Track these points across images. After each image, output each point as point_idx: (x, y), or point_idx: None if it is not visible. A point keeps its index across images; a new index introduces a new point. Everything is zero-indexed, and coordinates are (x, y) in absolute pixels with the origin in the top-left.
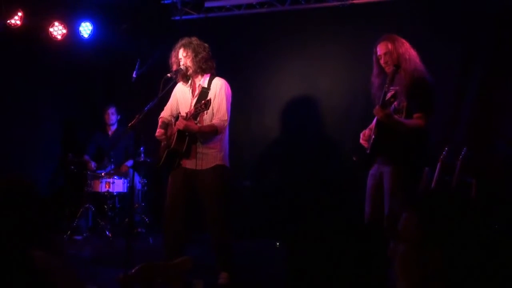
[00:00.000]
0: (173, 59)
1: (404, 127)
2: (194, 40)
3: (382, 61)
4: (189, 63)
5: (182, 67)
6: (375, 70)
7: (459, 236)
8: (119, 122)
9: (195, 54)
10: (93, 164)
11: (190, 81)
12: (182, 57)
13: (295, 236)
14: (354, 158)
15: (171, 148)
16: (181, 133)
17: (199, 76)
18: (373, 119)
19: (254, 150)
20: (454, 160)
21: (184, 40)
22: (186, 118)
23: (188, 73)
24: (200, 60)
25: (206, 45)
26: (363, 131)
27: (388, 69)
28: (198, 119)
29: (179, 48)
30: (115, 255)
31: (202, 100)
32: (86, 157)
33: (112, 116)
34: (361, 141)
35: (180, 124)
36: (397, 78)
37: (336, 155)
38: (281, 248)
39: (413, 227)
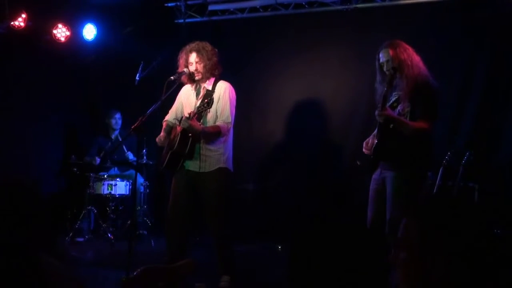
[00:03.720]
0: (182, 61)
1: (407, 127)
2: (207, 46)
3: (384, 68)
4: (200, 69)
5: (185, 69)
6: (378, 77)
7: (461, 242)
8: (121, 125)
9: (209, 60)
10: (97, 160)
11: (195, 84)
12: (194, 62)
13: (297, 240)
14: (358, 163)
15: (174, 150)
16: (185, 134)
17: (205, 80)
18: (376, 125)
19: (256, 153)
20: (456, 165)
21: (198, 45)
22: (189, 118)
23: (197, 78)
24: (212, 67)
25: (216, 50)
26: (366, 140)
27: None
28: (201, 120)
29: (192, 52)
30: (117, 258)
31: (206, 99)
32: (87, 159)
33: (119, 121)
34: (364, 150)
35: (184, 124)
36: (400, 84)
37: (339, 159)
38: (283, 252)
39: (413, 233)
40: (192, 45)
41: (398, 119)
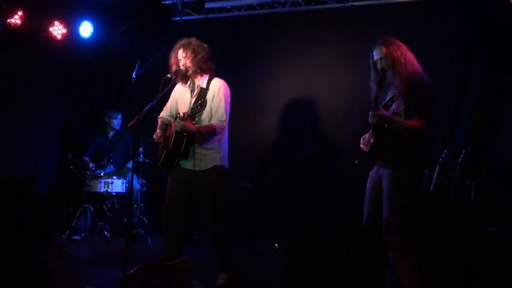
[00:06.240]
0: (173, 60)
1: (402, 126)
2: (193, 40)
3: (378, 66)
4: (188, 64)
5: (182, 67)
6: (372, 75)
7: (441, 241)
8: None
9: (195, 54)
10: (91, 165)
11: (189, 82)
12: (182, 57)
13: (294, 238)
14: (356, 161)
15: (169, 149)
16: (179, 133)
17: (199, 77)
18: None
19: (253, 151)
20: (453, 163)
21: (183, 41)
22: (183, 118)
23: (188, 74)
24: (200, 61)
25: (205, 45)
26: (364, 136)
27: (384, 74)
28: (196, 119)
29: (178, 49)
30: (113, 256)
31: (199, 101)
32: (86, 159)
33: (120, 122)
34: (361, 145)
35: (177, 125)
36: (394, 82)
37: (335, 157)
38: (280, 250)
39: (393, 234)
40: (179, 42)
41: (392, 119)
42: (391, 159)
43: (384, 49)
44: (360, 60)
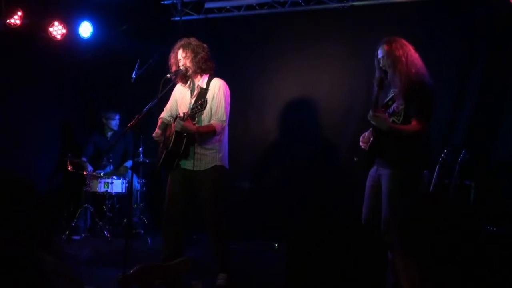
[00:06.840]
0: (172, 60)
1: (400, 133)
2: (193, 40)
3: (381, 64)
4: (188, 64)
5: (181, 67)
6: (377, 73)
7: (441, 241)
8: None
9: (195, 54)
10: (90, 169)
11: (189, 82)
12: (182, 57)
13: (294, 238)
14: (355, 159)
15: (169, 149)
16: (179, 133)
17: (198, 77)
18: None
19: (253, 151)
20: (453, 163)
21: (183, 41)
22: (183, 118)
23: (188, 74)
24: (200, 61)
25: (205, 45)
26: (364, 134)
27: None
28: (196, 119)
29: (178, 49)
30: (113, 256)
31: (199, 101)
32: (84, 159)
33: (118, 123)
34: (360, 143)
35: (177, 125)
36: (394, 81)
37: (335, 157)
38: (279, 250)
39: (394, 233)
40: (178, 43)
41: (391, 126)
42: (390, 159)
43: (386, 47)
44: (360, 60)
